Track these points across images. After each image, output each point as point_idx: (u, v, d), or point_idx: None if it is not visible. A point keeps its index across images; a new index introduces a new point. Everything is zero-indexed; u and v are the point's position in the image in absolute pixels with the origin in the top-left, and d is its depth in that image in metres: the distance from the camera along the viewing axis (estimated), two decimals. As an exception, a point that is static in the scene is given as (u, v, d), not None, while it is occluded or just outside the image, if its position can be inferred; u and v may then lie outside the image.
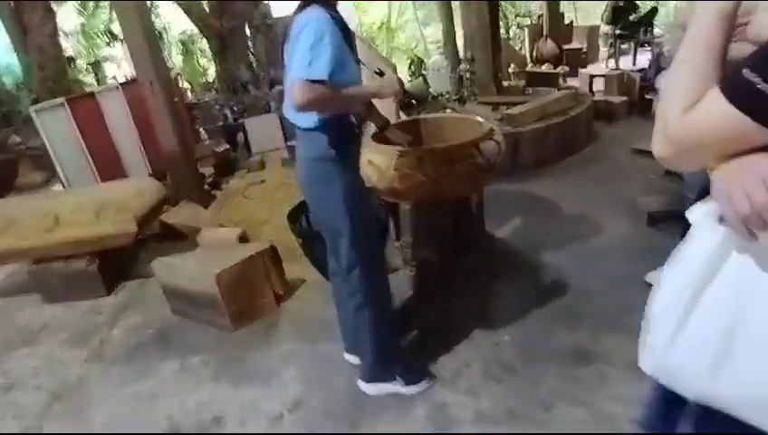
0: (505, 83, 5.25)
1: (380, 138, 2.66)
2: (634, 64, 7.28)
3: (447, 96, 5.03)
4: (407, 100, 4.48)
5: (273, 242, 3.55)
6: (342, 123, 1.78)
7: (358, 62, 1.82)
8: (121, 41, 8.29)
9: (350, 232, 1.83)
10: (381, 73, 1.87)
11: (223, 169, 5.20)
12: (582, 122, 4.45)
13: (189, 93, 7.08)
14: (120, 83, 4.90)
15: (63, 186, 4.18)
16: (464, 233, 3.00)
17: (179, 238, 3.81)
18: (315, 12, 1.61)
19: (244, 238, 3.56)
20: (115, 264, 3.31)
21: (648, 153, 3.20)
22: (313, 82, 1.53)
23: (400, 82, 1.81)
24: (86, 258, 3.07)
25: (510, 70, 6.05)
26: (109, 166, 4.44)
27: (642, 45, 7.47)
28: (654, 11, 7.34)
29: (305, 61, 1.54)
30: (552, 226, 3.26)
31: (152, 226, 3.68)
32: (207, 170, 5.05)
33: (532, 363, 2.13)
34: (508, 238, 3.19)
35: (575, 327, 2.30)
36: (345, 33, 1.70)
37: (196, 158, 4.48)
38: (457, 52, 5.52)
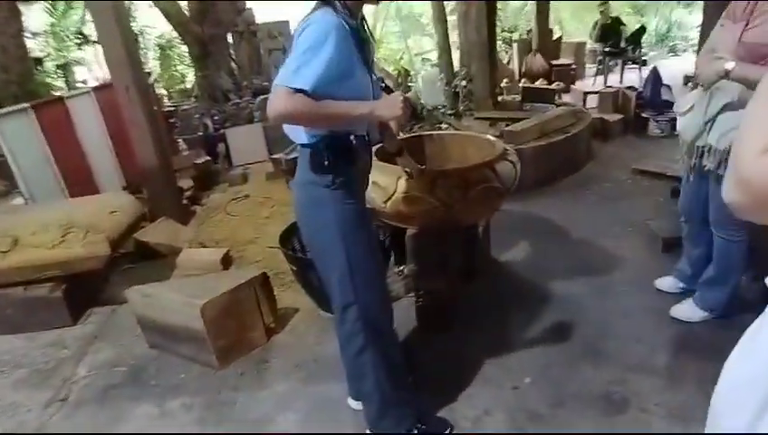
0: (500, 98, 5.11)
1: (385, 156, 2.44)
2: (621, 82, 7.29)
3: (443, 110, 4.86)
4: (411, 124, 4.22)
5: (261, 264, 3.29)
6: (340, 141, 1.54)
7: (372, 77, 1.59)
8: (94, 43, 7.88)
9: (345, 266, 1.60)
10: (388, 90, 1.60)
11: (203, 183, 4.88)
12: (583, 141, 4.33)
13: (167, 100, 6.73)
14: (93, 88, 4.54)
15: (26, 201, 3.80)
16: (470, 259, 2.79)
17: (156, 258, 3.49)
18: (324, 14, 1.39)
19: (227, 260, 3.27)
20: (83, 288, 2.97)
21: (651, 174, 3.09)
22: (294, 90, 1.32)
23: (406, 104, 1.46)
24: (49, 283, 2.73)
25: (502, 84, 5.92)
26: (78, 179, 4.07)
27: (628, 63, 7.49)
28: (642, 30, 7.39)
29: (292, 65, 1.34)
30: (560, 251, 3.08)
31: (126, 244, 3.36)
32: (186, 183, 4.73)
33: (559, 410, 1.91)
34: (515, 264, 2.99)
35: (600, 366, 2.11)
36: (360, 44, 1.48)
37: (174, 170, 4.15)
38: (452, 65, 5.36)
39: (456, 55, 5.39)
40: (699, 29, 11.04)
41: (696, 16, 12.03)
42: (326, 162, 1.52)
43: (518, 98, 4.99)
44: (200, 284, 2.43)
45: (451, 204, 2.15)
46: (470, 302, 2.63)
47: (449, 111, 4.77)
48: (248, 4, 6.48)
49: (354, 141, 1.57)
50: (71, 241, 2.69)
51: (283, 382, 2.22)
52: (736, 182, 0.66)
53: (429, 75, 5.50)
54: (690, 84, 6.86)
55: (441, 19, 5.23)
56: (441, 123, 4.42)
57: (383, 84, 1.63)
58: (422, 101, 5.09)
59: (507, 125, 4.26)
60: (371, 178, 2.23)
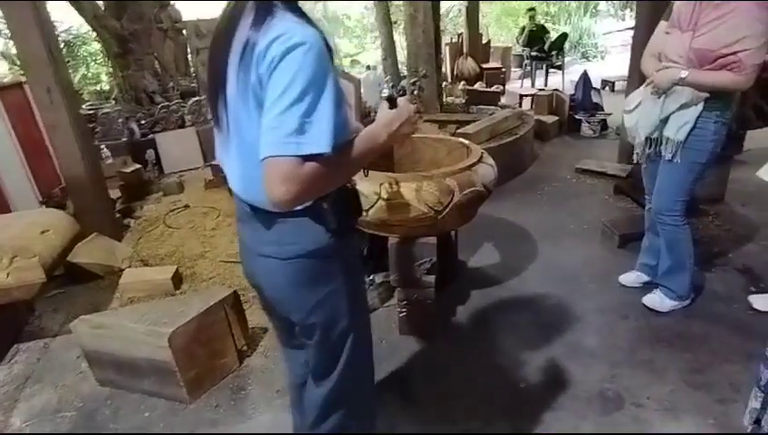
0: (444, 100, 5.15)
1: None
2: (546, 85, 7.70)
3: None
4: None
5: (217, 280, 3.04)
6: (345, 192, 1.19)
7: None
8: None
9: (350, 335, 1.28)
10: (393, 101, 1.18)
11: (133, 193, 4.45)
12: (528, 142, 4.47)
13: (83, 104, 6.08)
14: (-3, 89, 3.97)
15: None
16: (445, 265, 2.74)
17: (88, 280, 3.11)
18: (299, 26, 0.96)
19: (178, 279, 2.99)
20: (4, 322, 2.56)
21: (592, 172, 3.28)
22: (305, 159, 0.93)
23: (418, 111, 1.22)
24: (-34, 319, 2.31)
25: (442, 86, 5.99)
26: (-16, 194, 3.53)
27: (553, 67, 7.93)
28: (564, 36, 7.84)
29: (291, 121, 0.91)
30: (524, 252, 3.12)
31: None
32: (113, 193, 4.27)
33: (560, 412, 1.91)
34: (485, 267, 2.99)
35: (587, 365, 2.14)
36: (332, 57, 1.03)
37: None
38: (398, 67, 5.31)
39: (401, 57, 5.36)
40: (609, 35, 11.91)
41: (600, 24, 13.07)
42: (334, 226, 1.15)
43: (461, 100, 5.06)
44: (161, 309, 2.16)
45: (439, 210, 2.09)
46: (448, 308, 2.59)
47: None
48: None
49: (352, 184, 1.25)
50: (-7, 268, 2.30)
51: (265, 411, 2.03)
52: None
53: (372, 78, 5.43)
54: (608, 87, 7.39)
55: (386, 21, 5.18)
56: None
57: (391, 94, 1.29)
58: (367, 105, 5.00)
59: (456, 127, 4.29)
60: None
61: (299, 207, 1.07)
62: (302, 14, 1.01)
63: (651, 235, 2.56)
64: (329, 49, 1.00)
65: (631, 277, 2.67)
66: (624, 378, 2.05)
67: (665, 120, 2.14)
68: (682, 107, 2.08)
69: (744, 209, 3.39)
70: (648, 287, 2.56)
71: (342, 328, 1.26)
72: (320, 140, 0.93)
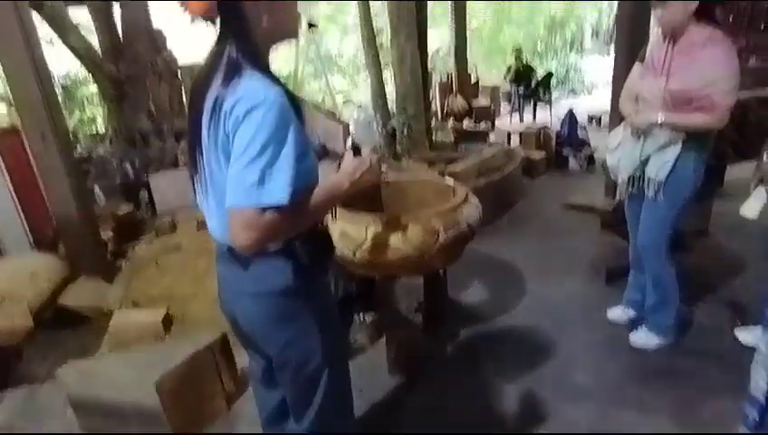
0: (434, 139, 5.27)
1: (348, 203, 2.37)
2: (534, 120, 7.89)
3: (381, 152, 4.89)
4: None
5: (208, 322, 3.02)
6: (315, 234, 1.26)
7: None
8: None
9: (325, 370, 1.33)
10: (357, 150, 1.27)
11: (126, 234, 4.46)
12: (516, 178, 4.55)
13: (78, 146, 6.16)
14: (-8, 133, 4.03)
15: None
16: (434, 304, 2.76)
17: (78, 323, 3.08)
18: (263, 86, 1.03)
19: (168, 321, 2.97)
20: (-9, 367, 2.54)
21: (580, 207, 3.34)
22: (267, 208, 1.01)
23: (379, 160, 1.26)
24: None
25: (432, 125, 6.13)
26: (-24, 238, 3.54)
27: (539, 103, 8.14)
28: (550, 75, 8.09)
29: (252, 174, 0.99)
30: (513, 288, 3.15)
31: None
32: (105, 235, 4.28)
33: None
34: (474, 305, 3.01)
35: (578, 402, 2.15)
36: (296, 108, 1.11)
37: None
38: (387, 107, 5.46)
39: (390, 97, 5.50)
40: (595, 70, 12.25)
41: (586, 60, 13.48)
42: (306, 264, 1.21)
43: (450, 138, 5.18)
44: (150, 353, 2.16)
45: (424, 251, 2.12)
46: (437, 347, 2.59)
47: (387, 153, 4.83)
48: (169, 44, 6.19)
49: (324, 225, 1.34)
50: (-20, 314, 2.30)
51: (253, 457, 2.00)
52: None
53: (362, 118, 5.56)
54: (594, 122, 7.57)
55: (375, 62, 5.35)
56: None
57: (350, 143, 1.34)
58: (357, 144, 5.08)
59: (445, 165, 4.37)
60: (340, 228, 2.17)
61: (271, 248, 1.16)
62: (268, 74, 1.09)
63: (636, 271, 2.60)
64: (295, 103, 1.09)
65: (618, 312, 2.70)
66: (613, 416, 2.05)
67: (645, 161, 2.21)
68: (661, 147, 2.14)
69: (728, 242, 3.44)
70: (635, 322, 2.58)
71: (316, 365, 1.30)
72: (279, 191, 1.01)
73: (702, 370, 2.26)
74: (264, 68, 1.09)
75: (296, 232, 1.16)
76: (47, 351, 2.86)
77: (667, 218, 2.23)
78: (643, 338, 2.46)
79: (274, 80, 1.09)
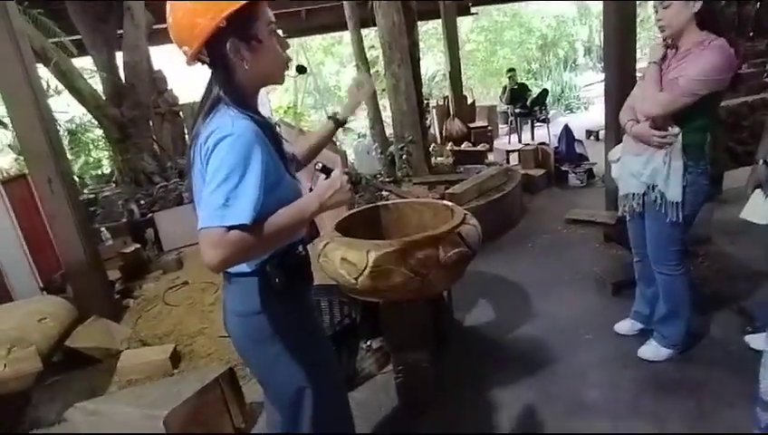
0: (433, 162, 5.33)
1: (344, 228, 2.41)
2: (533, 138, 7.95)
3: (381, 178, 4.96)
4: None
5: (215, 356, 3.03)
6: (291, 256, 1.32)
7: (291, 168, 1.35)
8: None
9: (307, 394, 1.37)
10: (327, 171, 1.29)
11: (132, 273, 4.50)
12: (517, 196, 4.58)
13: (84, 190, 6.29)
14: (2, 181, 4.13)
15: None
16: (440, 326, 2.76)
17: (87, 364, 3.10)
18: (233, 120, 1.14)
19: (176, 357, 2.99)
20: (1, 414, 2.54)
21: (582, 222, 3.32)
22: (230, 228, 1.08)
23: (350, 180, 1.27)
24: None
25: (431, 149, 6.22)
26: (-14, 284, 3.60)
27: (536, 121, 8.22)
28: (545, 92, 8.20)
29: (218, 197, 1.08)
30: (519, 306, 3.14)
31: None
32: (113, 275, 4.33)
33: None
34: (480, 325, 3.00)
35: (590, 418, 2.12)
36: (273, 141, 1.24)
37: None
38: (385, 134, 5.55)
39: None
40: (590, 87, 12.40)
41: (581, 77, 13.65)
42: (278, 288, 1.27)
43: (449, 161, 5.24)
44: (156, 390, 2.17)
45: (425, 273, 2.14)
46: (445, 370, 2.58)
47: (387, 179, 4.89)
48: (169, 84, 6.37)
49: (303, 251, 1.37)
50: (-10, 360, 2.32)
51: (264, 492, 1.98)
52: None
53: (364, 145, 5.66)
54: (593, 137, 7.62)
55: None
56: (381, 191, 4.50)
57: (319, 166, 1.35)
58: (358, 172, 5.17)
59: (445, 188, 4.42)
60: (341, 255, 2.19)
61: (247, 269, 1.27)
62: (244, 109, 1.19)
63: (642, 284, 2.58)
64: (270, 133, 1.23)
65: (626, 325, 2.67)
66: (627, 430, 2.02)
67: (646, 180, 2.21)
68: (656, 161, 2.15)
69: (732, 248, 3.43)
70: (643, 334, 2.55)
71: (297, 388, 1.35)
72: (241, 213, 1.08)
73: (715, 378, 2.23)
74: (245, 107, 1.19)
75: (264, 251, 1.22)
76: (55, 394, 2.87)
77: (673, 232, 2.20)
78: (653, 351, 2.43)
79: (253, 117, 1.19)
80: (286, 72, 1.32)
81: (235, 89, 1.20)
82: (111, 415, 2.05)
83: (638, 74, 2.35)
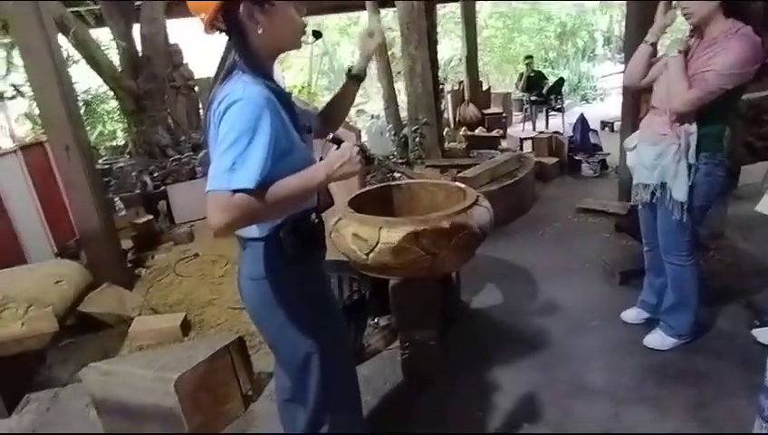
0: (446, 146, 5.32)
1: (357, 204, 2.42)
2: (547, 127, 7.88)
3: (394, 159, 4.96)
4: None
5: (224, 327, 3.09)
6: (302, 223, 1.32)
7: (304, 138, 1.33)
8: (11, 97, 7.32)
9: (314, 358, 1.41)
10: (338, 142, 1.29)
11: (145, 243, 4.57)
12: (529, 183, 4.56)
13: (98, 160, 6.35)
14: (20, 147, 4.18)
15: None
16: (447, 306, 2.78)
17: (99, 329, 3.17)
18: (245, 85, 1.15)
19: (186, 326, 3.05)
20: (16, 372, 2.61)
21: (593, 211, 3.30)
22: (236, 191, 1.09)
23: (362, 151, 1.25)
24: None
25: (444, 133, 6.19)
26: (2, 247, 3.67)
27: (551, 110, 8.15)
28: (561, 81, 8.10)
29: (226, 161, 1.09)
30: (526, 291, 3.15)
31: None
32: (126, 244, 4.40)
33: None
34: (487, 308, 3.02)
35: (590, 402, 2.14)
36: (287, 108, 1.24)
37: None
38: (399, 116, 5.53)
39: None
40: (607, 78, 12.23)
41: (598, 68, 13.44)
42: (290, 254, 1.29)
43: (462, 145, 5.22)
44: (168, 355, 2.22)
45: (436, 252, 2.15)
46: (450, 349, 2.61)
47: (400, 160, 4.89)
48: (185, 58, 6.38)
49: (316, 219, 1.38)
50: (6, 319, 2.38)
51: (270, 457, 2.04)
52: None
53: (377, 126, 5.64)
54: (608, 129, 7.54)
55: (387, 73, 5.44)
56: (394, 172, 4.50)
57: (330, 137, 1.34)
58: (371, 152, 5.16)
59: (458, 172, 4.41)
60: (353, 230, 2.21)
61: (260, 235, 1.29)
62: (257, 75, 1.19)
63: (651, 274, 2.58)
64: (285, 101, 1.23)
65: (633, 314, 2.68)
66: (629, 415, 2.04)
67: (656, 179, 2.20)
68: (667, 157, 2.14)
69: (745, 244, 3.40)
70: (650, 323, 2.56)
71: (305, 354, 1.40)
72: (247, 176, 1.09)
73: (719, 369, 2.24)
74: (260, 73, 1.20)
75: (269, 216, 1.23)
76: (68, 356, 2.94)
77: (685, 224, 2.19)
78: (658, 340, 2.44)
79: (268, 84, 1.19)
80: (303, 39, 1.32)
81: (249, 54, 1.21)
82: (124, 376, 2.10)
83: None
